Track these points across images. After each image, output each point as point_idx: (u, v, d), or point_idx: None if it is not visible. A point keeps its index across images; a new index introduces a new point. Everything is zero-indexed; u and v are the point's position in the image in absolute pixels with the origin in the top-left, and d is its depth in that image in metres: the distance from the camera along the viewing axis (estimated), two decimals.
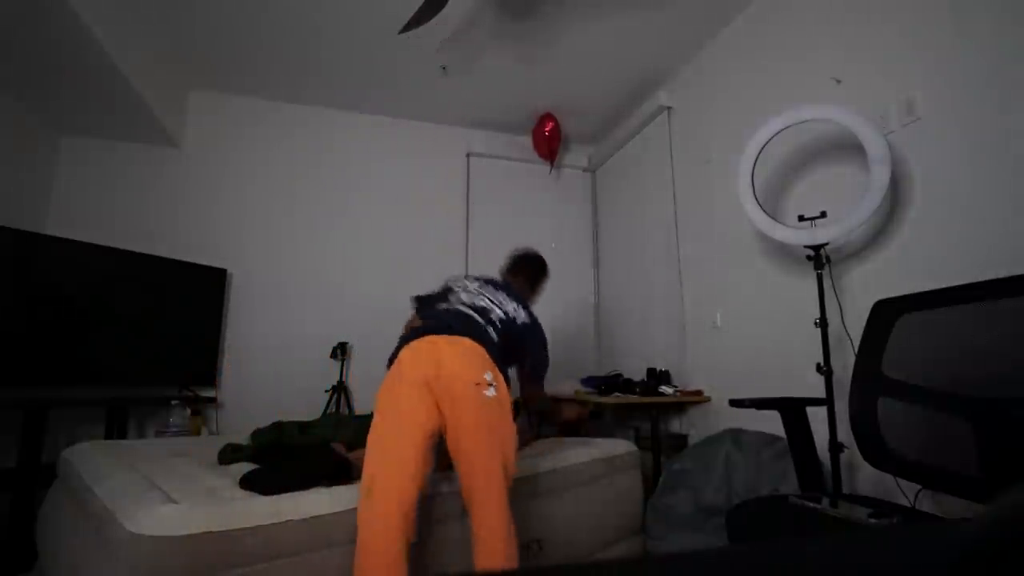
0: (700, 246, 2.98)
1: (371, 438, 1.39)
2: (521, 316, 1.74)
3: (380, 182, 3.76)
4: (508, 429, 1.47)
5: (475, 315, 1.62)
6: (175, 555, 1.13)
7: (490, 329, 1.61)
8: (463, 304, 1.67)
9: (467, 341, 1.49)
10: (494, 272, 2.02)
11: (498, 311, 1.69)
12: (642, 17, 2.80)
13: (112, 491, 1.33)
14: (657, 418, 2.77)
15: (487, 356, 1.49)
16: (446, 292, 1.77)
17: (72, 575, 1.33)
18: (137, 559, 1.12)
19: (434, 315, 1.65)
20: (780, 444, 2.04)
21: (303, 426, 2.10)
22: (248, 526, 1.23)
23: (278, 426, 2.07)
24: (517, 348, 1.73)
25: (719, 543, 1.83)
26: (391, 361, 1.52)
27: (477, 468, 1.39)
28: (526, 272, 2.01)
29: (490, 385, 1.43)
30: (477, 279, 1.81)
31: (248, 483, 1.42)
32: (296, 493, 1.37)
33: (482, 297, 1.71)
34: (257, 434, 2.01)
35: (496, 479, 1.38)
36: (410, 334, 1.54)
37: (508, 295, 1.77)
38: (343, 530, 1.33)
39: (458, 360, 1.44)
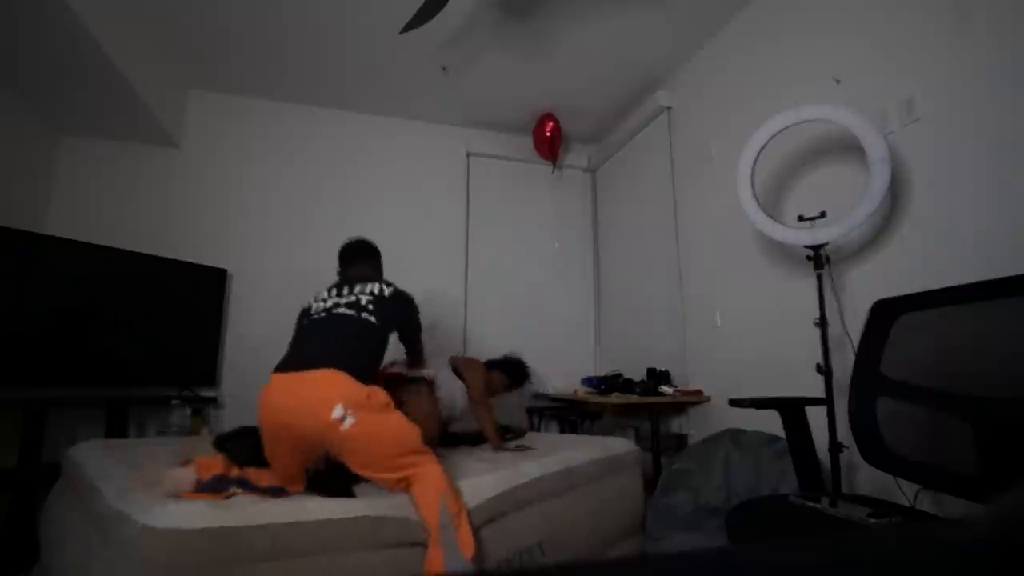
0: (700, 246, 2.98)
1: None
2: (387, 290, 1.80)
3: (380, 182, 3.76)
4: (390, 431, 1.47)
5: (347, 311, 1.69)
6: (187, 549, 1.13)
7: (364, 316, 1.68)
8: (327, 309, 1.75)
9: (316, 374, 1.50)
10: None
11: (365, 296, 1.73)
12: (642, 17, 2.80)
13: (120, 488, 1.33)
14: (657, 418, 2.77)
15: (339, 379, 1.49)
16: (307, 310, 1.87)
17: (79, 573, 1.33)
18: (143, 554, 1.12)
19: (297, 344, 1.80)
20: (780, 444, 2.04)
21: None
22: (258, 524, 1.23)
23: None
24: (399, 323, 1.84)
25: (719, 543, 1.83)
26: None
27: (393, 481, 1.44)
28: (364, 256, 2.07)
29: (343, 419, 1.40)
30: (328, 290, 1.85)
31: (315, 485, 1.49)
32: (302, 497, 1.38)
33: (343, 295, 1.77)
34: (229, 441, 1.92)
35: (413, 470, 1.42)
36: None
37: (364, 283, 1.81)
38: (352, 536, 1.33)
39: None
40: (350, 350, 1.58)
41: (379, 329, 1.70)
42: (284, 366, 1.59)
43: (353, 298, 1.73)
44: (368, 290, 1.76)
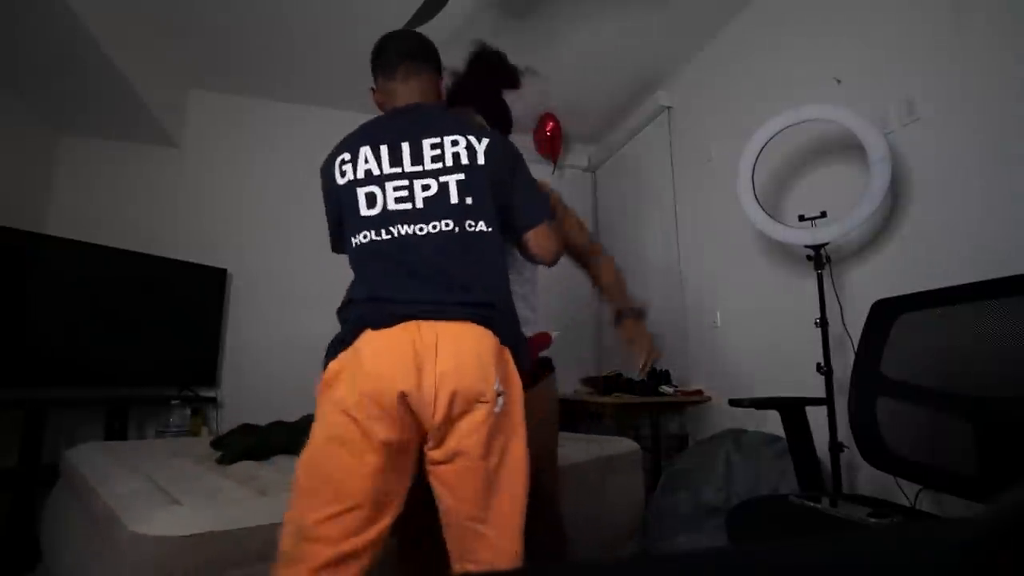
0: (700, 246, 2.98)
1: None
2: (483, 142, 1.05)
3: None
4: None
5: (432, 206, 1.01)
6: (178, 555, 1.13)
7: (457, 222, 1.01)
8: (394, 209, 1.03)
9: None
10: None
11: (450, 163, 1.03)
12: (642, 17, 2.80)
13: (115, 492, 1.33)
14: (657, 418, 2.77)
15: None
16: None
17: (76, 575, 1.33)
18: (141, 559, 1.12)
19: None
20: (780, 444, 2.04)
21: (289, 427, 2.07)
22: (250, 526, 1.23)
23: (252, 429, 2.05)
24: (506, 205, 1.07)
25: (719, 543, 1.84)
26: None
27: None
28: (422, 62, 1.22)
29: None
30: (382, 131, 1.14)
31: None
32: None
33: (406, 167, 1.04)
34: (228, 443, 1.91)
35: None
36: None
37: (436, 130, 1.07)
38: None
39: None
40: (472, 280, 0.99)
41: (496, 234, 1.04)
42: (387, 317, 0.94)
43: (433, 170, 1.03)
44: (451, 149, 1.04)
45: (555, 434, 1.38)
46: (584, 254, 1.47)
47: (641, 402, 2.76)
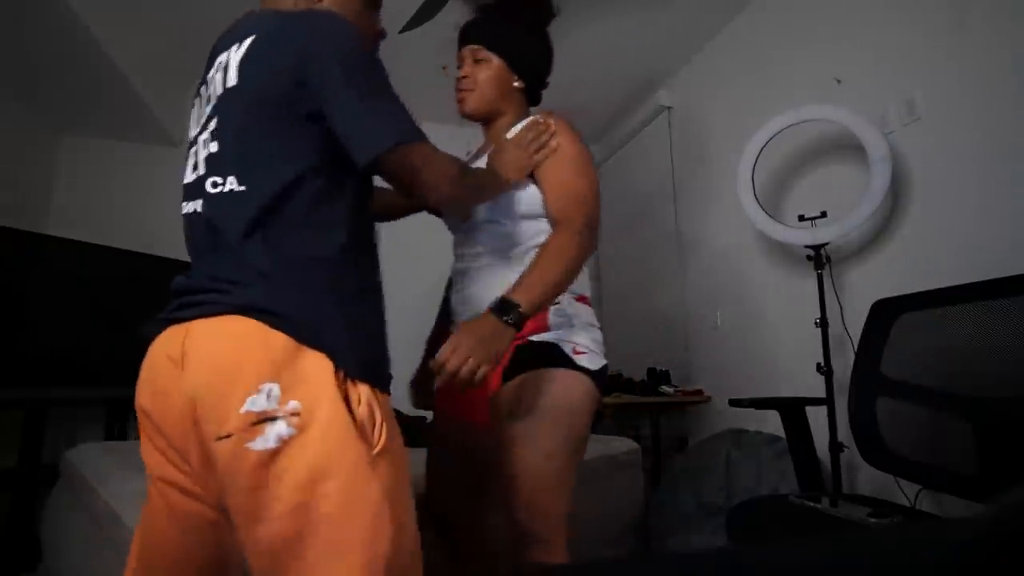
0: (700, 245, 2.98)
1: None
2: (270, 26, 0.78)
3: (379, 181, 3.75)
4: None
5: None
6: None
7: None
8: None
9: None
10: None
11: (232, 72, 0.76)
12: (642, 17, 2.80)
13: (116, 492, 1.33)
14: (657, 418, 2.77)
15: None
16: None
17: (77, 575, 1.33)
18: None
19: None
20: (780, 444, 2.04)
21: None
22: None
23: None
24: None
25: (719, 543, 1.84)
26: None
27: None
28: None
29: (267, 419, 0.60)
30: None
31: None
32: None
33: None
34: None
35: None
36: None
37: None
38: None
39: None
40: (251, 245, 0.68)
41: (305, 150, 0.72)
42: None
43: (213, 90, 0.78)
44: (236, 55, 0.76)
45: (558, 437, 1.01)
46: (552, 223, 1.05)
47: (641, 402, 2.76)
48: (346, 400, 0.63)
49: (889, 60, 1.96)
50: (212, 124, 0.76)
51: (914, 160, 1.85)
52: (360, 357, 0.67)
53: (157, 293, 3.08)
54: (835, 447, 1.75)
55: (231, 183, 0.72)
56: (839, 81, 2.13)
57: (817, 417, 1.62)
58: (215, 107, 0.76)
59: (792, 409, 1.47)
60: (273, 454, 0.59)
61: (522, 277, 0.94)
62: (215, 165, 0.74)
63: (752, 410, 1.51)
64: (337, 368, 0.64)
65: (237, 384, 0.60)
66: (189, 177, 0.82)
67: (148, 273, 2.91)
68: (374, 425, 0.65)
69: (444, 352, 0.83)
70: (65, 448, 1.95)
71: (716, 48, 2.95)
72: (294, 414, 0.60)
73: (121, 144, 3.26)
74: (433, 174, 0.80)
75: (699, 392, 2.81)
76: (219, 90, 0.76)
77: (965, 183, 1.70)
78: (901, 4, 1.93)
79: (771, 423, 1.76)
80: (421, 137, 0.77)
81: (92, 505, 1.36)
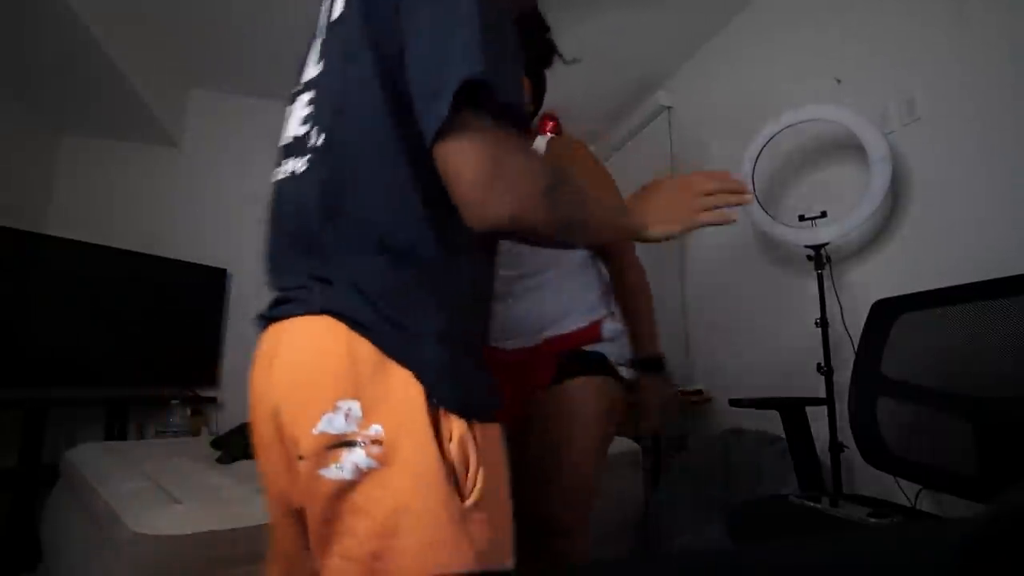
0: (700, 245, 2.98)
1: None
2: None
3: None
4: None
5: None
6: (178, 554, 1.14)
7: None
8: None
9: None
10: None
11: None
12: (642, 17, 2.80)
13: (115, 491, 1.33)
14: None
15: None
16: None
17: (77, 575, 1.33)
18: (140, 558, 1.12)
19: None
20: (780, 444, 2.04)
21: None
22: (250, 525, 1.23)
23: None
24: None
25: (719, 543, 1.84)
26: None
27: None
28: None
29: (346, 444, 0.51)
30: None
31: None
32: None
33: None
34: (228, 443, 1.91)
35: None
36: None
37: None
38: None
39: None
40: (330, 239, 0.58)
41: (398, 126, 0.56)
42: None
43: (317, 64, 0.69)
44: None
45: (596, 438, 1.10)
46: (605, 253, 1.15)
47: None
48: (436, 433, 0.52)
49: (889, 59, 1.96)
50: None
51: (914, 160, 1.85)
52: (457, 383, 0.55)
53: (157, 293, 3.10)
54: (835, 447, 1.75)
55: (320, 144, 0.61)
56: (839, 81, 2.13)
57: (817, 417, 1.62)
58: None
59: (792, 409, 1.47)
60: (350, 485, 0.51)
61: (638, 326, 1.12)
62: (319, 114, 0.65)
63: (752, 410, 1.51)
64: (429, 394, 0.52)
65: (313, 399, 0.52)
66: (295, 131, 0.69)
67: (148, 273, 2.91)
68: (467, 469, 0.53)
69: (652, 422, 1.05)
70: (65, 448, 1.95)
71: (716, 48, 2.95)
72: (375, 442, 0.51)
73: (121, 144, 3.26)
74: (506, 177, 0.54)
75: (699, 392, 2.81)
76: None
77: (965, 183, 1.69)
78: (901, 4, 1.93)
79: (771, 423, 1.76)
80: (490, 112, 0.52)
81: (92, 505, 1.36)
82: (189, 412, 2.92)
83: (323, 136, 0.60)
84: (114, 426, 2.72)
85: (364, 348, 0.52)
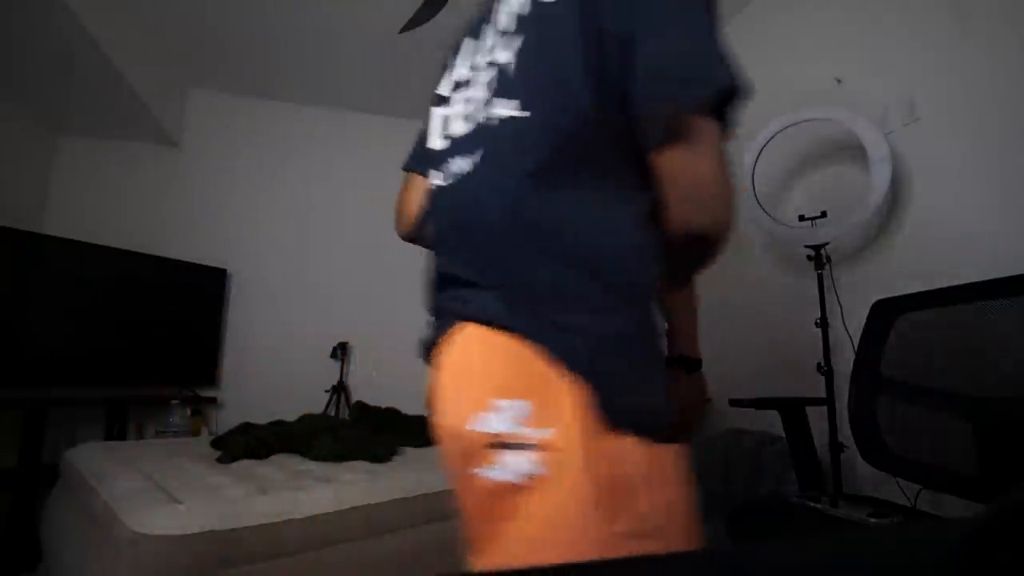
0: None
1: None
2: None
3: (381, 181, 3.75)
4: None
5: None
6: (178, 554, 1.14)
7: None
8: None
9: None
10: None
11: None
12: None
13: (115, 491, 1.33)
14: None
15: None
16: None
17: (76, 575, 1.33)
18: (140, 558, 1.12)
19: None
20: (780, 444, 2.04)
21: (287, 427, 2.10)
22: (250, 525, 1.23)
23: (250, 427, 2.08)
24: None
25: (719, 543, 1.84)
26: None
27: None
28: None
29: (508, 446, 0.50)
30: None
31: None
32: (297, 491, 1.37)
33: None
34: (228, 442, 1.93)
35: None
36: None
37: None
38: (344, 528, 1.33)
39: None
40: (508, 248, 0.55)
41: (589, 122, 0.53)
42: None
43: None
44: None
45: None
46: None
47: None
48: (601, 448, 0.48)
49: (889, 60, 1.96)
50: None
51: (914, 160, 1.85)
52: (632, 399, 0.51)
53: (157, 293, 3.09)
54: (835, 447, 1.75)
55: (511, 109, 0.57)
56: (839, 81, 2.13)
57: (817, 417, 1.62)
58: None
59: (792, 409, 1.47)
60: (509, 488, 0.48)
61: (684, 331, 1.04)
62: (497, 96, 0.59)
63: (752, 410, 1.51)
64: (599, 404, 0.48)
65: (478, 398, 0.51)
66: (458, 129, 0.64)
67: (148, 273, 2.91)
68: (628, 493, 0.48)
69: (695, 419, 0.97)
70: (65, 448, 1.95)
71: None
72: (544, 448, 0.47)
73: (120, 144, 3.26)
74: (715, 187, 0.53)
75: None
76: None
77: (965, 183, 1.69)
78: (901, 4, 1.93)
79: (771, 423, 1.76)
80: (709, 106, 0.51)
81: (92, 505, 1.36)
82: (189, 412, 2.92)
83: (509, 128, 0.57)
84: (114, 426, 2.72)
85: (534, 359, 0.50)
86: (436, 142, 0.69)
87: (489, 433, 0.49)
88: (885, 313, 1.37)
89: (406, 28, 2.33)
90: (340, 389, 3.24)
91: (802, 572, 0.21)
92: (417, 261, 3.81)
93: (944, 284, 1.30)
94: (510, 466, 0.48)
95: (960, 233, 1.69)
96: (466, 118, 0.63)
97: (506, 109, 0.57)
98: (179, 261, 3.03)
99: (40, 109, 2.93)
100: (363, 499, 1.40)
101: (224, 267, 3.26)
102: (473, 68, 0.67)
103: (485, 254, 0.56)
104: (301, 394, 3.20)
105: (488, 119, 0.59)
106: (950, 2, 1.76)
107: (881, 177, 1.73)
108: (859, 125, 1.81)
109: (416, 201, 0.77)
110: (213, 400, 3.11)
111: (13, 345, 2.37)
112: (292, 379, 3.27)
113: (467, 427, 0.51)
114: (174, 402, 2.85)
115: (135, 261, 2.86)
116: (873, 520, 1.07)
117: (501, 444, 0.48)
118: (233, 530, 1.20)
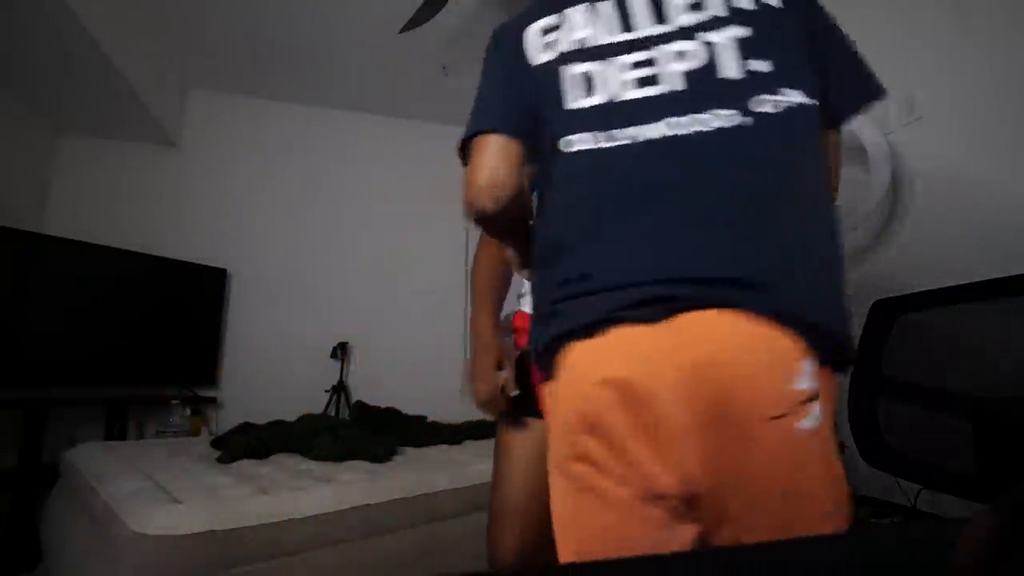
0: None
1: None
2: None
3: (380, 182, 3.76)
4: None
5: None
6: (178, 554, 1.14)
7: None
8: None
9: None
10: None
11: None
12: None
13: (115, 491, 1.33)
14: None
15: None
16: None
17: (76, 575, 1.33)
18: (140, 558, 1.12)
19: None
20: None
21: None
22: (250, 525, 1.23)
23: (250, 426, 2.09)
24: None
25: None
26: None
27: None
28: None
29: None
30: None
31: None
32: (297, 491, 1.37)
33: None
34: (228, 442, 1.94)
35: None
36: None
37: None
38: (344, 528, 1.33)
39: None
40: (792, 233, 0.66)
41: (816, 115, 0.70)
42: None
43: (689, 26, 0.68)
44: None
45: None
46: None
47: None
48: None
49: (889, 59, 1.95)
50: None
51: (914, 160, 1.85)
52: (836, 328, 0.67)
53: (157, 293, 3.09)
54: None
55: (789, 98, 0.68)
56: None
57: None
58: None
59: None
60: (812, 434, 0.57)
61: None
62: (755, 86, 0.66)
63: None
64: (833, 350, 0.64)
65: (783, 363, 0.57)
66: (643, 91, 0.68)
67: (148, 273, 2.91)
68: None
69: None
70: (65, 448, 1.95)
71: None
72: (816, 397, 0.58)
73: (120, 144, 3.26)
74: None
75: None
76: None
77: (965, 183, 1.69)
78: (902, 3, 1.93)
79: None
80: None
81: (92, 505, 1.36)
82: (189, 412, 2.92)
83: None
84: (114, 426, 2.72)
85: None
86: (608, 96, 0.70)
87: (805, 390, 0.57)
88: (885, 313, 1.37)
89: (406, 28, 2.33)
90: (340, 389, 3.23)
91: (802, 572, 0.21)
92: (417, 261, 3.83)
93: (944, 284, 1.30)
94: (814, 413, 0.57)
95: (960, 233, 1.69)
96: (656, 78, 0.69)
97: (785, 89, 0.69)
98: (179, 261, 3.02)
99: (40, 109, 2.92)
100: (363, 499, 1.40)
101: (224, 267, 3.26)
102: (664, 22, 0.72)
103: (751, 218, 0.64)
104: (301, 394, 3.20)
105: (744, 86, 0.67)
106: (950, 1, 1.76)
107: (881, 177, 1.73)
108: (859, 125, 1.82)
109: (505, 167, 0.76)
110: (213, 400, 3.11)
111: (13, 345, 2.37)
112: (292, 379, 3.27)
113: (787, 387, 0.56)
114: (174, 402, 2.85)
115: (135, 261, 2.86)
116: (873, 520, 1.07)
117: (810, 399, 0.57)
118: (233, 530, 1.20)
